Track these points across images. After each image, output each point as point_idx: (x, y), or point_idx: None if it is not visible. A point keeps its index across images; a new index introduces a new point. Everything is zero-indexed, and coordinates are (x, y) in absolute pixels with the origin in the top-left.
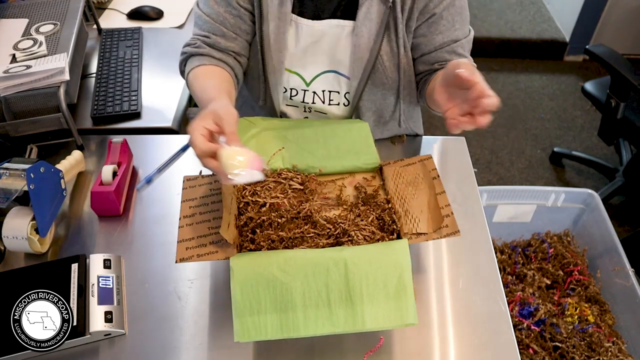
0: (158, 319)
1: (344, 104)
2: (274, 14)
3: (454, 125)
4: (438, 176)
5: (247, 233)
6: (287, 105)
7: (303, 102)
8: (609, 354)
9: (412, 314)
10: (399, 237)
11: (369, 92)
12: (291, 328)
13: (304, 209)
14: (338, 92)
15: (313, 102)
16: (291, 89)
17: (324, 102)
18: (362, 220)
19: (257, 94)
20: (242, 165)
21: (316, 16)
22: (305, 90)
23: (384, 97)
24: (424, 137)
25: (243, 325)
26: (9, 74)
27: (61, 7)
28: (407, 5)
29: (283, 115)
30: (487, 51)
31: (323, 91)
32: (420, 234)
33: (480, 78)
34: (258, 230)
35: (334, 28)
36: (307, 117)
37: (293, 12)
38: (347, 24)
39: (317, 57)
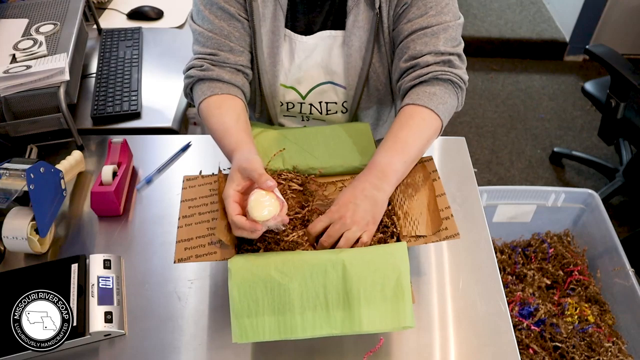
0: (158, 319)
1: (341, 111)
2: (267, 27)
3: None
4: (438, 178)
5: None
6: (284, 116)
7: (300, 112)
8: (609, 354)
9: (409, 317)
10: (398, 239)
11: (366, 99)
12: (289, 330)
13: (302, 211)
14: (335, 103)
15: (310, 113)
16: (287, 103)
17: (321, 113)
18: None
19: (253, 107)
20: (270, 213)
21: (308, 30)
22: (302, 103)
23: (380, 102)
24: None
25: (241, 326)
26: (9, 74)
27: (61, 7)
28: (392, 9)
29: (281, 125)
30: (487, 51)
31: (320, 102)
32: (420, 236)
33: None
34: None
35: (326, 39)
36: (305, 126)
37: (286, 26)
38: (338, 34)
39: (311, 70)
